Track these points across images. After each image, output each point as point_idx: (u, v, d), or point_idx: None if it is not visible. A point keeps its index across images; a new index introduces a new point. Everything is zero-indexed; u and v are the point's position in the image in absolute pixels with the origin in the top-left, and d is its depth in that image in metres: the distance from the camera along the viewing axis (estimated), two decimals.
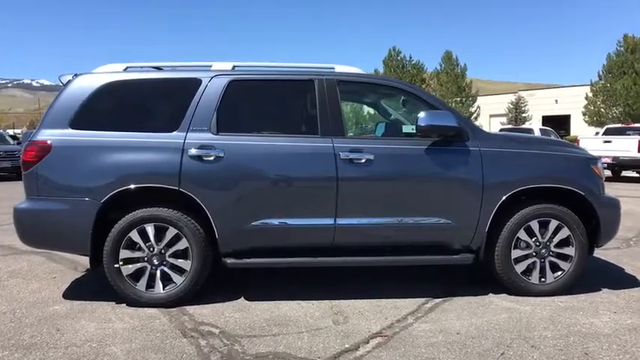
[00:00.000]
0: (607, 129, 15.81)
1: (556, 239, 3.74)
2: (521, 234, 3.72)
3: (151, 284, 3.52)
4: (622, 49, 34.48)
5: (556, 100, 45.27)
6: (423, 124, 3.55)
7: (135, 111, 3.68)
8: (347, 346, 2.88)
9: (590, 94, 35.23)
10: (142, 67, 3.82)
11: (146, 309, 3.45)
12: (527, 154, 3.76)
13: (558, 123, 37.61)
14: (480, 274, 4.07)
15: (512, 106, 44.97)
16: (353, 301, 3.63)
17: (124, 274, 3.49)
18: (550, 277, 3.77)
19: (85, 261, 4.59)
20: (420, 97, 3.83)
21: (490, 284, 3.87)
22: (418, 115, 3.59)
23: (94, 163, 3.44)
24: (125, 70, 3.73)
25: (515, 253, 3.73)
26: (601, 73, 35.43)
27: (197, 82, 3.63)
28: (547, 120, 40.97)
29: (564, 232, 3.74)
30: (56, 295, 3.79)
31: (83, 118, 3.53)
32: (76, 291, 3.91)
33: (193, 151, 3.46)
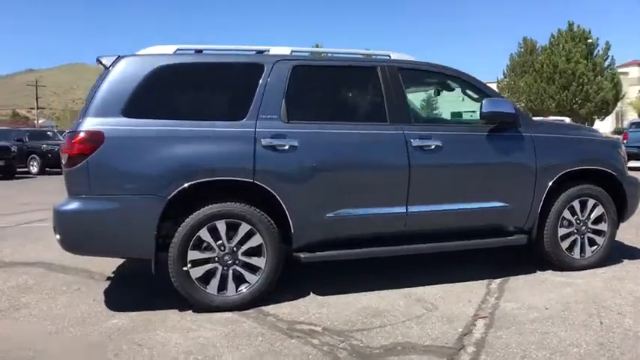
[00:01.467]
0: None
1: (592, 216, 4.07)
2: (566, 213, 3.98)
3: (222, 286, 3.23)
4: (522, 50, 38.20)
5: (462, 98, 48.80)
6: (486, 111, 3.65)
7: (195, 98, 3.36)
8: (460, 330, 2.89)
9: (497, 91, 38.62)
10: (192, 50, 3.48)
11: (221, 314, 3.16)
12: (570, 139, 4.04)
13: None
14: (510, 255, 4.30)
15: (424, 103, 47.83)
16: (422, 288, 3.64)
17: (193, 277, 3.17)
18: (588, 251, 4.08)
19: (99, 268, 4.14)
20: (474, 85, 3.93)
21: (529, 263, 4.10)
22: (482, 102, 3.68)
23: (158, 155, 3.08)
24: (175, 52, 3.37)
25: (561, 232, 3.98)
26: (505, 71, 38.97)
27: (259, 67, 3.39)
28: (455, 116, 44.03)
29: (599, 210, 4.07)
30: (100, 308, 3.33)
31: (137, 105, 3.13)
32: (120, 301, 3.46)
33: (267, 141, 3.23)
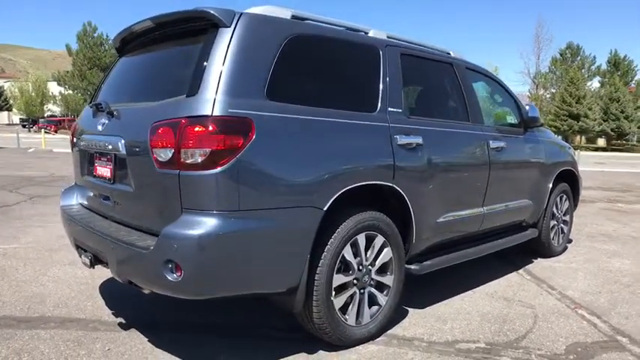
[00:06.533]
0: None
1: (564, 209, 4.84)
2: (554, 207, 4.62)
3: (357, 314, 2.65)
4: None
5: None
6: (532, 115, 3.97)
7: (328, 80, 2.62)
8: (584, 323, 3.06)
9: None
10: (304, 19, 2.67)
11: (362, 349, 2.60)
12: (557, 144, 4.69)
13: None
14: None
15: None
16: (484, 286, 3.72)
17: (336, 307, 2.51)
18: (561, 239, 4.84)
19: (95, 309, 2.90)
20: (507, 90, 4.16)
21: (513, 256, 4.59)
22: (527, 106, 3.97)
23: (313, 153, 2.33)
24: (292, 18, 2.57)
25: (552, 224, 4.61)
26: None
27: (376, 51, 2.89)
28: None
29: (567, 203, 4.87)
30: None
31: (280, 85, 2.29)
32: None
33: (402, 139, 2.78)
